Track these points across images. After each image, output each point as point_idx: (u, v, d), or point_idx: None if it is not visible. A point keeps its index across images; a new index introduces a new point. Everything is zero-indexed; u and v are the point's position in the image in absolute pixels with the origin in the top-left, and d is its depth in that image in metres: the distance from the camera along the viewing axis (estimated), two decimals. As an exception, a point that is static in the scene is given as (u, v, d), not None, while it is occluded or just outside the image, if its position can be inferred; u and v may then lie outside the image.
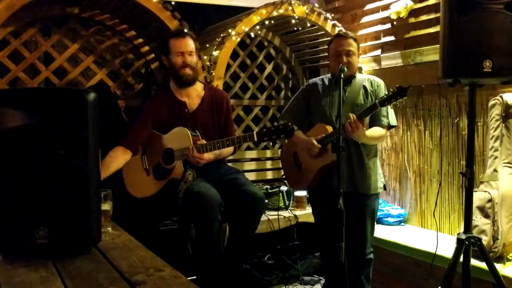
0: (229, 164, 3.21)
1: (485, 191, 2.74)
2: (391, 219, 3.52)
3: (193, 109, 2.79)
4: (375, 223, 2.78)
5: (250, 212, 2.59)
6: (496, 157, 2.80)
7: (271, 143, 4.12)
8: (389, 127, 2.70)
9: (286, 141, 2.67)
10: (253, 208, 2.58)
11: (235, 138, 2.58)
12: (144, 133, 2.78)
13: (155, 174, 2.77)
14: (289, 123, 2.47)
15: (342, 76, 2.44)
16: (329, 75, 2.83)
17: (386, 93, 2.50)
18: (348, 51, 2.63)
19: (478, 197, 2.72)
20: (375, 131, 2.61)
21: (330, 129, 2.61)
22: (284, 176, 3.21)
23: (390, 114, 2.67)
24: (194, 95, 2.82)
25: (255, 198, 2.56)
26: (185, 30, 2.94)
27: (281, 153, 3.12)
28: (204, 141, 2.62)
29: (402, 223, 3.54)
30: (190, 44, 2.76)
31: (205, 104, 2.80)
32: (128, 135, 2.78)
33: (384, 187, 2.76)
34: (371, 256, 2.72)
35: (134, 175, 2.82)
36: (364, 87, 2.68)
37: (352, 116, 2.40)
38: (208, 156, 2.63)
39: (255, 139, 2.55)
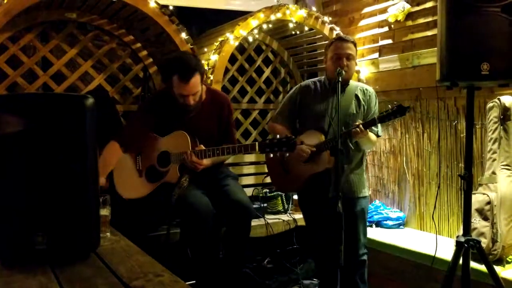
0: (228, 167, 3.18)
1: (483, 194, 2.75)
2: (390, 222, 3.52)
3: (193, 112, 2.72)
4: (367, 223, 2.80)
5: (238, 220, 2.61)
6: (494, 160, 2.81)
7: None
8: (377, 135, 2.72)
9: (287, 154, 2.59)
10: (240, 216, 2.60)
11: (236, 147, 2.53)
12: (143, 131, 2.67)
13: (147, 176, 2.71)
14: (292, 137, 2.37)
15: (340, 79, 2.44)
16: (322, 78, 2.82)
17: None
18: (349, 55, 2.64)
19: (477, 199, 2.73)
20: (372, 136, 2.64)
21: (322, 137, 2.61)
22: (268, 176, 3.09)
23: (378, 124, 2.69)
24: None
25: (242, 206, 2.58)
26: (193, 66, 2.53)
27: (266, 156, 2.99)
28: (202, 147, 2.56)
29: (401, 226, 3.55)
30: (195, 85, 2.53)
31: (205, 108, 2.72)
32: (125, 133, 2.68)
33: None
34: (365, 257, 2.71)
35: (125, 175, 2.75)
36: (357, 96, 2.69)
37: (360, 127, 2.42)
38: (207, 161, 2.59)
39: (256, 150, 2.47)
